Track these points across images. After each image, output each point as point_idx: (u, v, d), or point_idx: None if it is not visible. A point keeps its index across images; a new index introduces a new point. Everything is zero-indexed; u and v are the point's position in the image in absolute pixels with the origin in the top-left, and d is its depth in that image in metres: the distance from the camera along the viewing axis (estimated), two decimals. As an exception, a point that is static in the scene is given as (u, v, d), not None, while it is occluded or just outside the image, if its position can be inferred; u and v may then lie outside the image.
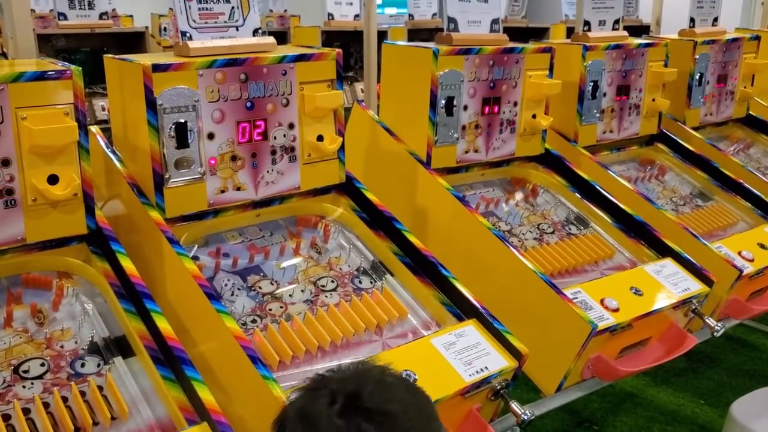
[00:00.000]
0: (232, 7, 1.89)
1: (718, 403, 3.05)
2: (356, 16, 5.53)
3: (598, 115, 2.80)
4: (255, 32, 1.93)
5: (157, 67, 1.69)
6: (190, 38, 1.81)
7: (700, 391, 3.19)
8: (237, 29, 1.90)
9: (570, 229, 2.47)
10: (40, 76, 1.54)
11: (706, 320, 2.25)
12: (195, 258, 1.82)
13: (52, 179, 1.58)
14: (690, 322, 2.30)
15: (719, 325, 2.24)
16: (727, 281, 2.39)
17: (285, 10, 8.36)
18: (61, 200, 1.60)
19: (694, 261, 2.31)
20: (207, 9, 1.85)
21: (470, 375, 1.66)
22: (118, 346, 1.56)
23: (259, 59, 1.84)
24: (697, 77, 3.21)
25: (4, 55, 5.05)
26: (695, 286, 2.24)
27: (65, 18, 4.27)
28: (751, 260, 2.51)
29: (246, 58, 1.82)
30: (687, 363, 3.34)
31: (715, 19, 3.49)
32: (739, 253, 2.52)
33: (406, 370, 1.61)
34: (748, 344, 3.61)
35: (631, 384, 3.20)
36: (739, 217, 2.88)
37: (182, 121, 1.74)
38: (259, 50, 1.90)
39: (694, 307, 2.23)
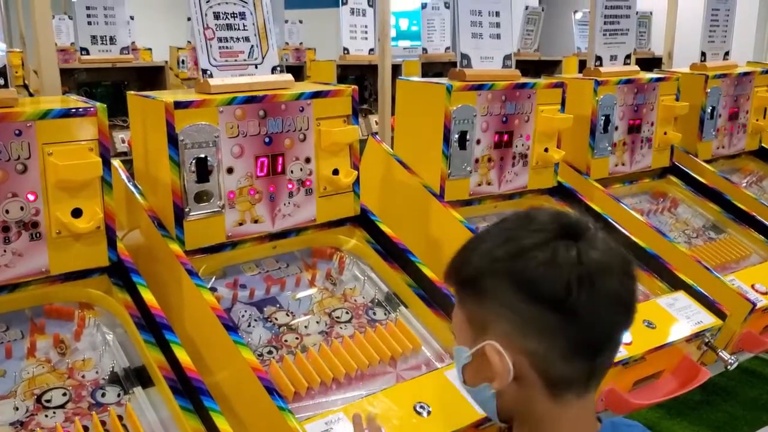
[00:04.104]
0: (252, 46, 1.95)
1: (734, 436, 3.03)
2: (371, 50, 5.61)
3: (609, 148, 2.84)
4: (274, 69, 1.98)
5: (178, 104, 1.74)
6: (211, 76, 1.87)
7: (715, 424, 3.16)
8: (256, 67, 1.95)
9: (583, 261, 2.48)
10: (66, 113, 1.59)
11: (720, 353, 2.24)
12: (213, 289, 1.85)
13: (76, 213, 1.63)
14: (703, 355, 2.30)
15: (733, 358, 2.24)
16: (740, 314, 2.39)
17: (300, 43, 8.50)
18: (84, 233, 1.64)
19: (707, 294, 2.32)
20: (227, 48, 1.90)
21: (483, 407, 1.67)
22: (137, 376, 1.59)
23: (277, 96, 1.89)
24: (709, 110, 3.23)
25: (26, 88, 5.17)
26: (708, 319, 2.24)
27: (87, 53, 4.38)
28: (765, 293, 2.50)
29: (265, 95, 1.87)
30: (702, 396, 3.32)
31: (727, 53, 3.53)
32: (753, 286, 2.52)
33: (419, 402, 1.63)
34: (764, 377, 3.59)
35: (645, 417, 3.19)
36: (752, 250, 2.88)
37: (202, 156, 1.79)
38: (278, 87, 1.95)
39: (707, 340, 2.23)
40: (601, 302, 0.95)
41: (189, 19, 1.99)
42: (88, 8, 4.41)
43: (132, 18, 6.85)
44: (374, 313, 1.96)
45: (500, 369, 1.00)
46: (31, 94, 4.34)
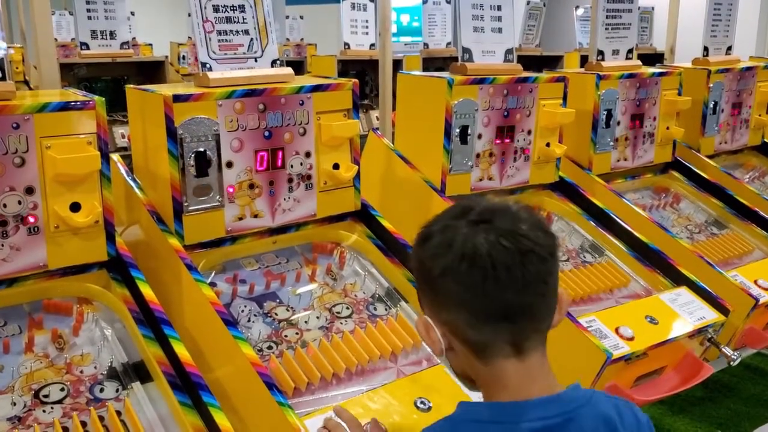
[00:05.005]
0: (251, 39, 1.93)
1: (736, 433, 3.02)
2: (372, 45, 5.59)
3: (612, 143, 2.82)
4: (273, 63, 1.97)
5: (177, 98, 1.73)
6: (210, 69, 1.86)
7: (718, 421, 3.15)
8: (256, 60, 1.94)
9: (585, 257, 2.48)
10: (65, 107, 1.58)
11: (723, 349, 2.23)
12: (212, 284, 1.84)
13: (75, 207, 1.62)
14: (706, 351, 2.29)
15: (735, 354, 2.23)
16: (743, 310, 2.38)
17: (301, 39, 8.48)
18: (82, 227, 1.63)
19: (709, 289, 2.31)
20: (227, 41, 1.89)
21: (485, 403, 1.66)
22: (136, 372, 1.59)
23: (277, 89, 1.88)
24: (711, 105, 3.22)
25: (26, 83, 5.16)
26: (711, 315, 2.23)
27: (87, 47, 4.36)
28: (767, 289, 2.50)
29: (264, 88, 1.86)
30: (704, 392, 3.31)
31: (729, 48, 3.51)
32: (755, 282, 2.51)
33: (420, 398, 1.62)
34: (767, 373, 3.58)
35: (647, 413, 3.16)
36: (754, 246, 2.87)
37: (202, 150, 1.78)
38: (277, 81, 1.94)
39: (709, 336, 2.22)
40: (488, 279, 1.02)
41: (190, 15, 1.98)
42: (88, 3, 4.40)
43: (133, 14, 6.84)
44: (375, 309, 1.95)
45: (428, 341, 1.12)
46: (31, 90, 4.33)
